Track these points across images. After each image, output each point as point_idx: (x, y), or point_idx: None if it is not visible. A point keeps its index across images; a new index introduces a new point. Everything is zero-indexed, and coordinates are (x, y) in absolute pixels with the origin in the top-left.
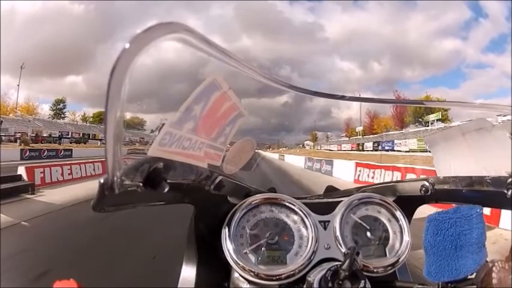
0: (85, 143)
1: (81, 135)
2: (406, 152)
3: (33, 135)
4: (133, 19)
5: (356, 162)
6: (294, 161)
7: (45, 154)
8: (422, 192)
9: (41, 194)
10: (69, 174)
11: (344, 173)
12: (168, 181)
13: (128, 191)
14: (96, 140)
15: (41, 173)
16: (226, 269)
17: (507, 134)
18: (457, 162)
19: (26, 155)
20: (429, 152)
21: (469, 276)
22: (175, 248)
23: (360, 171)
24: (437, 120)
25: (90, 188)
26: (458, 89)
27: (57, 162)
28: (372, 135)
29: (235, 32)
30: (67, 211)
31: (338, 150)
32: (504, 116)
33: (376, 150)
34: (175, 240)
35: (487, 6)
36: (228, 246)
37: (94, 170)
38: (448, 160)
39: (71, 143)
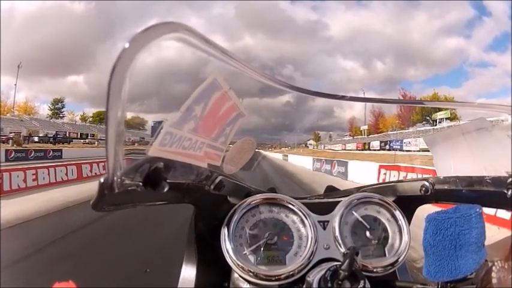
0: (69, 143)
1: (78, 135)
2: (417, 151)
3: (27, 135)
4: (134, 18)
5: (380, 165)
6: (300, 162)
7: (32, 155)
8: (422, 192)
9: None
10: (33, 180)
11: (363, 176)
12: (168, 181)
13: (127, 190)
14: (80, 139)
15: None
16: (226, 269)
17: (507, 134)
18: (457, 162)
19: (12, 156)
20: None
21: (469, 276)
22: (175, 248)
23: (384, 173)
24: (446, 118)
25: (42, 200)
26: (460, 88)
27: (21, 165)
28: (377, 134)
29: (237, 31)
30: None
31: (342, 150)
32: None
33: (384, 149)
34: (175, 240)
35: (490, 5)
36: (227, 247)
37: (66, 174)
38: (448, 160)
39: (54, 143)
